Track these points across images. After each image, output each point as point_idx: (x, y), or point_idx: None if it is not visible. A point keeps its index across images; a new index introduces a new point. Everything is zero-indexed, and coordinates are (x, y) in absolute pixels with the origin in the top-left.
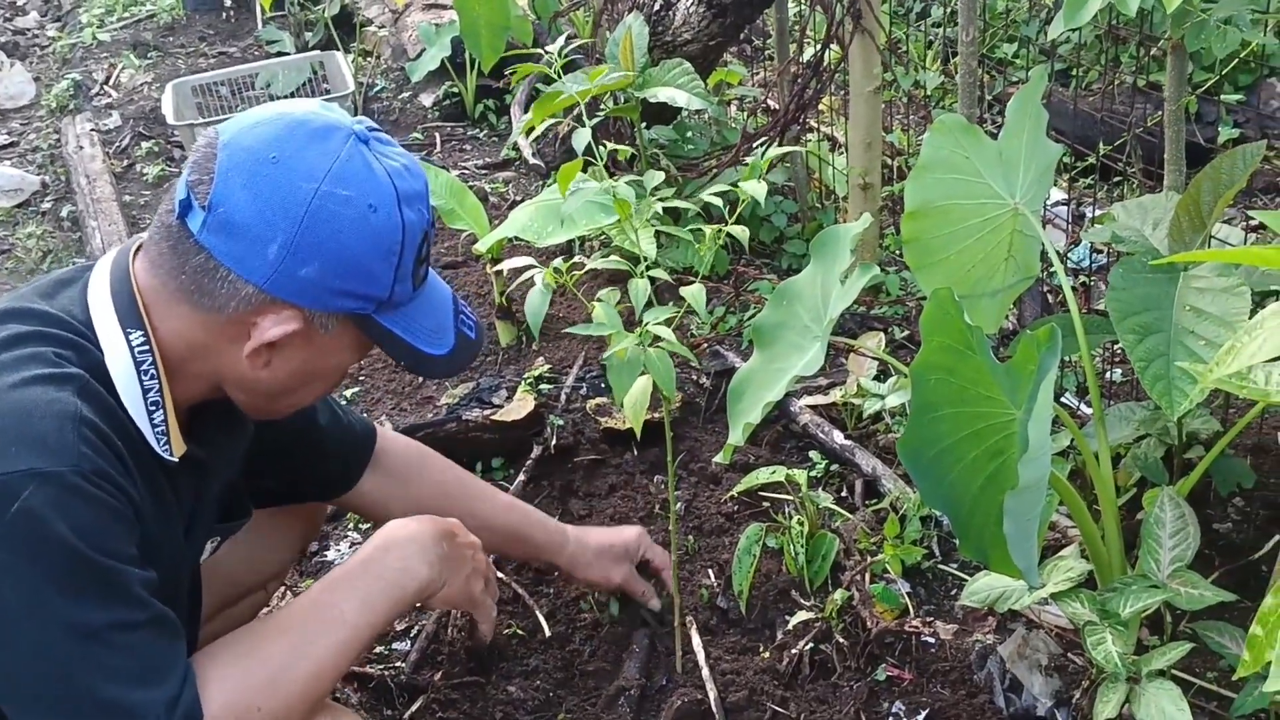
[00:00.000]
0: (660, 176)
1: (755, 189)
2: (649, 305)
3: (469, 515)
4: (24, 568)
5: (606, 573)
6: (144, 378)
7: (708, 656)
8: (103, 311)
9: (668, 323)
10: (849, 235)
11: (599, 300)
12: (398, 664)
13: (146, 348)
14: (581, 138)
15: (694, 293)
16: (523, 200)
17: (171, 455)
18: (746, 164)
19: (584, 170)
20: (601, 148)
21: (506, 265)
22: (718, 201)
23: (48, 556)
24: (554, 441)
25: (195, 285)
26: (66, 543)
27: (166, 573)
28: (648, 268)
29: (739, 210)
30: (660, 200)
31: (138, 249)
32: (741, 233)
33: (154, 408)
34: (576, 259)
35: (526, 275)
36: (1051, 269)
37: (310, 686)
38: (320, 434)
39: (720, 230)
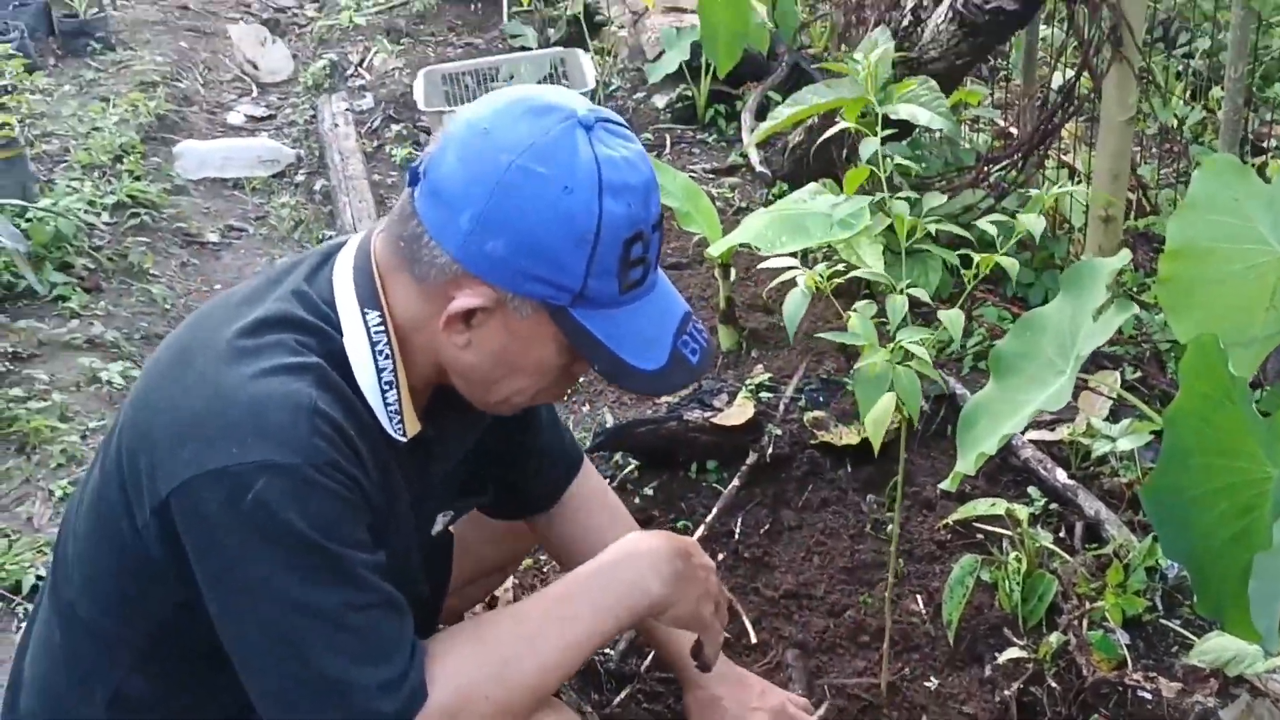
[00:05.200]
0: (942, 198)
1: (1034, 223)
2: (903, 324)
3: None
4: (259, 551)
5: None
6: (379, 358)
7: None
8: (345, 292)
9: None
10: (1105, 270)
11: (854, 311)
12: (607, 651)
13: (382, 328)
14: (869, 146)
15: (952, 317)
16: (747, 207)
17: (404, 435)
18: (982, 187)
19: (869, 179)
20: (887, 160)
21: (770, 263)
22: (991, 230)
23: (281, 542)
24: (770, 450)
25: (410, 252)
26: (297, 530)
27: (396, 552)
28: (906, 286)
29: (1012, 241)
30: (934, 222)
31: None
32: (1011, 265)
33: (388, 387)
34: (819, 266)
35: (787, 276)
36: None
37: (537, 681)
38: (535, 441)
39: (988, 260)
